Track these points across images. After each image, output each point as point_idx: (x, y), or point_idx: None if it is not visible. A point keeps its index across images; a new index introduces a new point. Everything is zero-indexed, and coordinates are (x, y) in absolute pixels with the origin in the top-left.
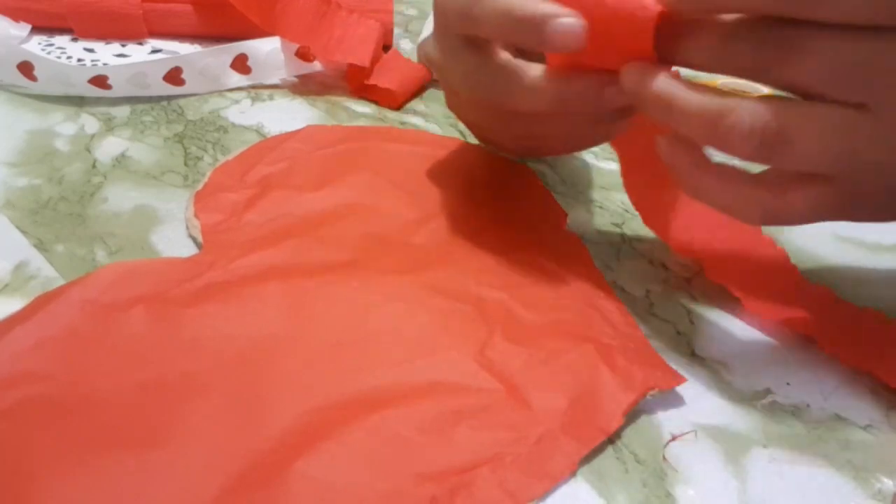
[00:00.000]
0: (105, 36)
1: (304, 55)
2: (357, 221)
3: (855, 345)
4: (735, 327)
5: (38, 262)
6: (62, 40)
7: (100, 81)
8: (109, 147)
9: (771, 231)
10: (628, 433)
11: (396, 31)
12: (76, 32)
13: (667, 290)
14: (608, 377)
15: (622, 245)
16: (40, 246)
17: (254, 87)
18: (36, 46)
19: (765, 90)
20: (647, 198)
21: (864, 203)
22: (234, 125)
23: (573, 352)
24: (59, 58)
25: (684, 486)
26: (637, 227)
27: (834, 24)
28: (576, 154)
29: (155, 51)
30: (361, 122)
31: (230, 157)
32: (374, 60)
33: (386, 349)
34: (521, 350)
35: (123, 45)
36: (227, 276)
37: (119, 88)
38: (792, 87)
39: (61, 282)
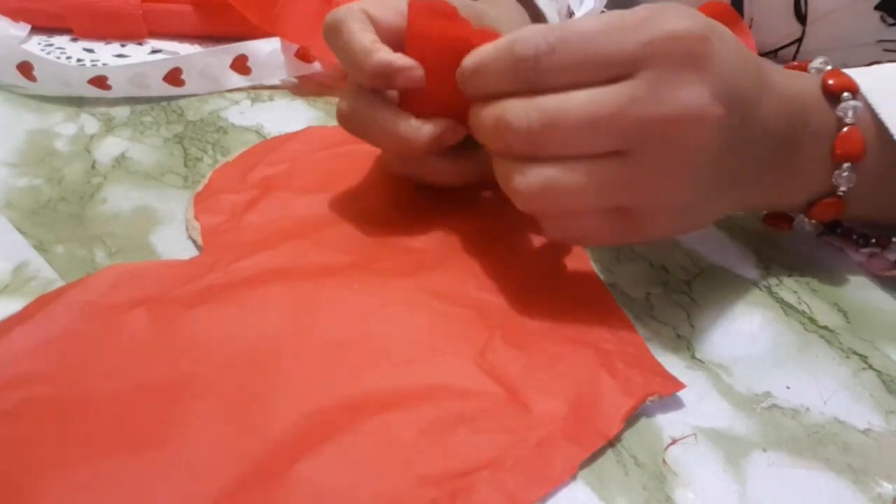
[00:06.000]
0: (105, 36)
1: (303, 56)
2: (357, 224)
3: None
4: (735, 331)
5: (37, 262)
6: (62, 40)
7: (99, 82)
8: (109, 147)
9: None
10: (628, 436)
11: None
12: (75, 32)
13: (667, 292)
14: (608, 382)
15: (622, 248)
16: (40, 247)
17: (254, 87)
18: (35, 46)
19: None
20: None
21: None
22: (234, 126)
23: (573, 356)
24: (58, 58)
25: (684, 489)
26: None
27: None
28: None
29: (155, 51)
30: None
31: (230, 158)
32: None
33: (386, 352)
34: (521, 354)
35: (123, 46)
36: (228, 277)
37: (119, 89)
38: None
39: (61, 283)
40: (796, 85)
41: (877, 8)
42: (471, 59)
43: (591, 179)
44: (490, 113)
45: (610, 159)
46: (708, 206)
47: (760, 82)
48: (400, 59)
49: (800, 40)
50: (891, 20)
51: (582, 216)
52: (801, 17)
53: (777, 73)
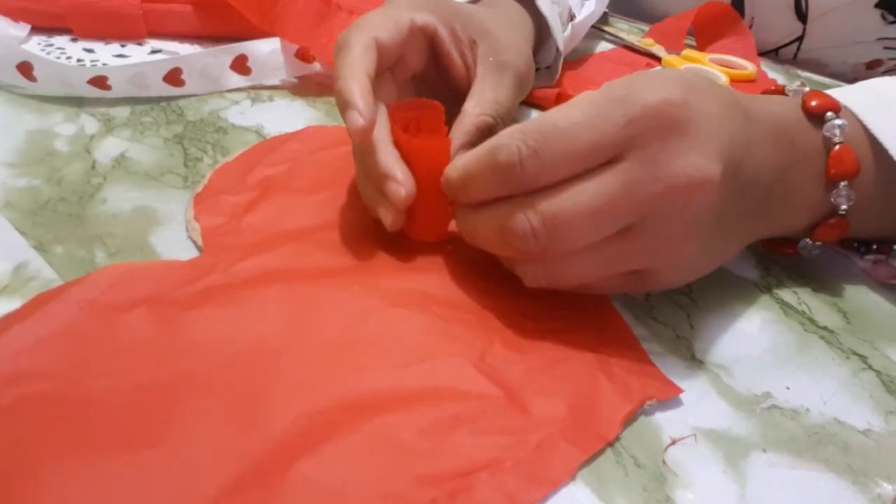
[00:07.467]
0: (104, 36)
1: (303, 56)
2: (357, 226)
3: None
4: (735, 331)
5: (37, 263)
6: (61, 40)
7: (99, 82)
8: (109, 148)
9: None
10: (628, 437)
11: None
12: (75, 32)
13: (666, 293)
14: (606, 387)
15: None
16: (39, 247)
17: (253, 87)
18: (35, 46)
19: (749, 66)
20: None
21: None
22: (233, 126)
23: (571, 361)
24: (58, 58)
25: (684, 490)
26: None
27: (559, 185)
28: None
29: (154, 51)
30: None
31: (230, 158)
32: None
33: (386, 353)
34: (521, 357)
35: (123, 46)
36: (228, 279)
37: (119, 89)
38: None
39: (60, 283)
40: (776, 111)
41: (877, 6)
42: (455, 172)
43: (598, 260)
44: (488, 223)
45: (616, 238)
46: (717, 254)
47: (745, 121)
48: (357, 118)
49: (800, 39)
50: (891, 18)
51: (593, 284)
52: (802, 15)
53: (755, 103)
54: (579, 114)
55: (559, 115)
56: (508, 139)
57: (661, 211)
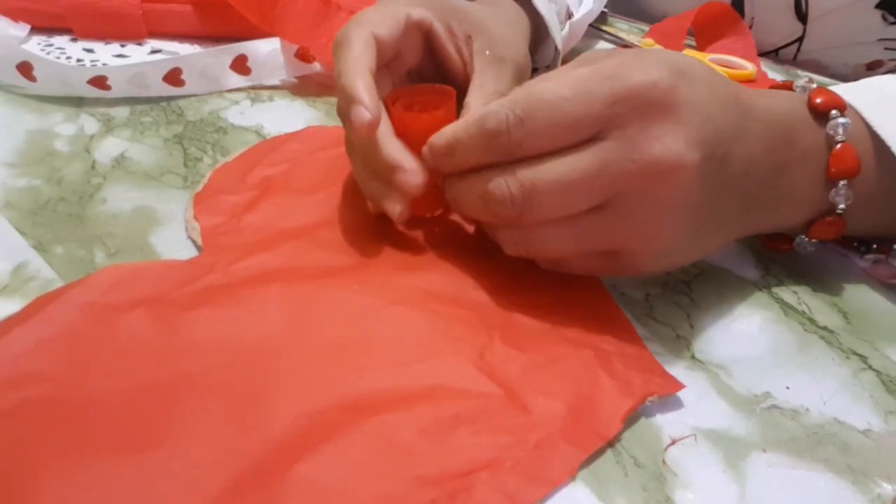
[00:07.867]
0: (104, 36)
1: (303, 56)
2: (357, 225)
3: None
4: (734, 331)
5: (37, 263)
6: (61, 40)
7: (99, 82)
8: (109, 148)
9: None
10: (628, 437)
11: None
12: (75, 32)
13: (666, 293)
14: (607, 383)
15: None
16: (39, 247)
17: (253, 87)
18: (35, 46)
19: (749, 66)
20: None
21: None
22: (233, 126)
23: (572, 357)
24: (58, 58)
25: (683, 490)
26: None
27: (540, 156)
28: None
29: (154, 51)
30: None
31: (229, 158)
32: None
33: (385, 352)
34: (521, 355)
35: (123, 46)
36: (227, 278)
37: (118, 89)
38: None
39: (60, 283)
40: (781, 107)
41: (877, 7)
42: (442, 138)
43: (573, 234)
44: (472, 188)
45: (591, 213)
46: (696, 245)
47: (740, 115)
48: (363, 113)
49: (801, 39)
50: (891, 18)
51: (570, 259)
52: (802, 16)
53: (758, 98)
54: (567, 88)
55: (547, 88)
56: (497, 107)
57: (634, 191)
